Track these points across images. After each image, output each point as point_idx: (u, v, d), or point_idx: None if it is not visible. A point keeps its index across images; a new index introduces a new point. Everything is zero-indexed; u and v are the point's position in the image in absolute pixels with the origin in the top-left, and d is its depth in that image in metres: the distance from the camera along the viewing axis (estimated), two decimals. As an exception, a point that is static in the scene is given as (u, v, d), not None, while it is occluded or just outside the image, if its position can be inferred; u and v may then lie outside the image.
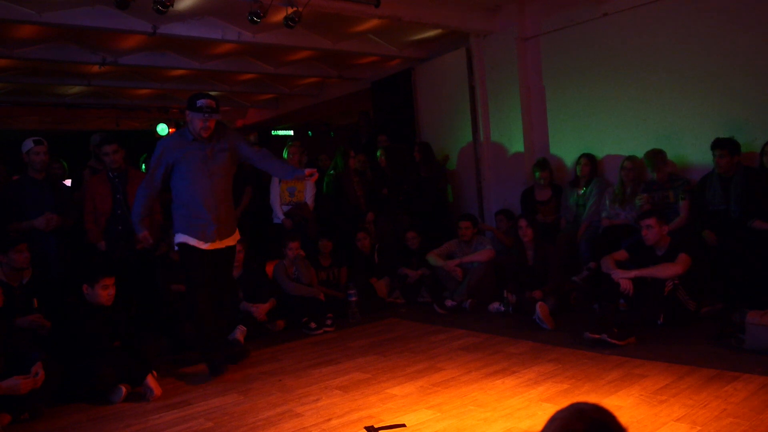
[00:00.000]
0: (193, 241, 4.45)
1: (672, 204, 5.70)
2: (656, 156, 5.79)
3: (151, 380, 4.10)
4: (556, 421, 1.30)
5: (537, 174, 6.85)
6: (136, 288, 5.62)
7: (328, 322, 5.78)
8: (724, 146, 5.29)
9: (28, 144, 5.19)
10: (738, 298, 4.86)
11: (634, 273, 4.77)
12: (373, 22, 7.07)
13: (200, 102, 4.32)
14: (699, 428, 2.95)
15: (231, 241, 4.64)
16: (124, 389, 4.03)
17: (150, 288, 5.70)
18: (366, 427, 3.30)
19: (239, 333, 5.41)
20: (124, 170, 5.61)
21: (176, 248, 4.59)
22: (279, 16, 6.06)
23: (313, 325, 5.68)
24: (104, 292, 4.33)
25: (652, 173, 5.88)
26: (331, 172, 7.60)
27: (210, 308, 4.53)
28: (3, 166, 6.43)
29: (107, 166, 5.56)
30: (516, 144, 7.45)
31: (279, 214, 6.82)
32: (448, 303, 6.13)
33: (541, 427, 1.34)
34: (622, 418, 3.29)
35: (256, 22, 5.81)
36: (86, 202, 5.55)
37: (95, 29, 6.20)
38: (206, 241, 4.46)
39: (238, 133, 4.56)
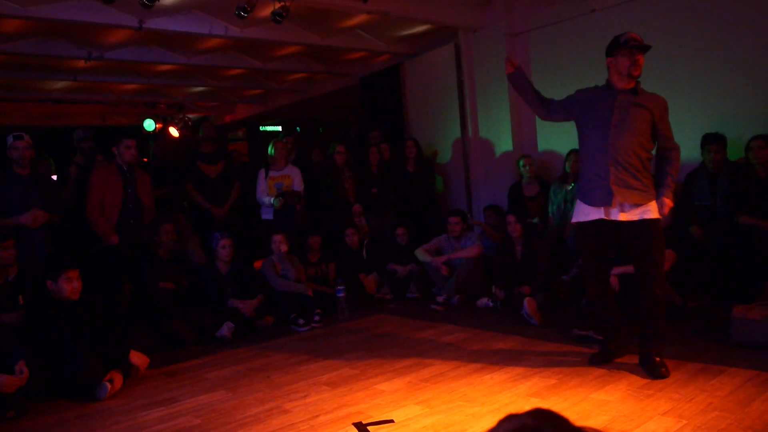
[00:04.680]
0: (585, 209, 3.91)
1: None
2: None
3: (133, 355, 4.17)
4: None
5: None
6: (132, 282, 5.64)
7: (317, 318, 5.77)
8: (717, 142, 5.31)
9: (9, 139, 5.18)
10: (724, 293, 4.90)
11: (620, 270, 4.79)
12: (362, 17, 7.04)
13: (624, 37, 3.75)
14: (685, 422, 2.97)
15: (637, 213, 3.75)
16: (109, 385, 4.01)
17: (139, 284, 5.68)
18: (354, 423, 3.30)
19: (227, 329, 5.41)
20: (132, 166, 5.68)
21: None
22: (266, 11, 6.02)
23: (301, 321, 5.67)
24: (68, 285, 4.25)
25: None
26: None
27: (601, 289, 4.04)
28: None
29: (122, 159, 5.62)
30: (504, 140, 7.46)
31: (266, 204, 6.77)
32: (440, 299, 6.14)
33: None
34: (609, 412, 3.34)
35: (243, 16, 5.78)
36: (92, 195, 5.56)
37: (81, 23, 6.13)
38: (596, 206, 3.84)
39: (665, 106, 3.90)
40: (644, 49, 3.76)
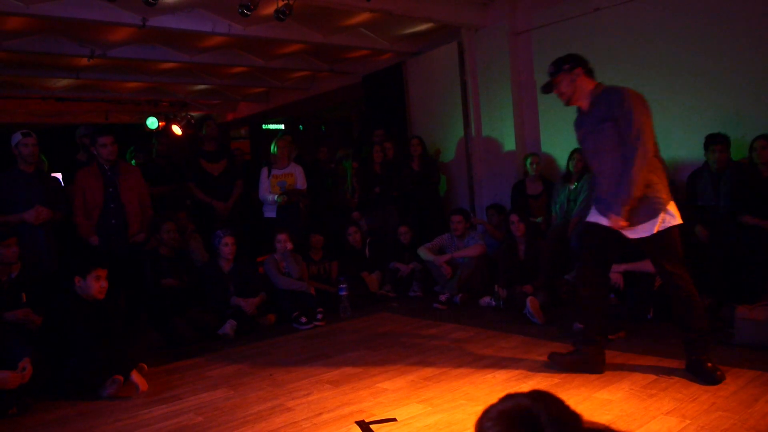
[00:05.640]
0: (596, 215, 3.81)
1: None
2: None
3: (135, 376, 4.08)
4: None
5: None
6: (126, 282, 5.60)
7: (319, 316, 5.77)
8: (720, 142, 5.29)
9: (17, 137, 5.18)
10: (728, 293, 4.88)
11: (623, 267, 4.79)
12: (365, 16, 7.04)
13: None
14: (688, 422, 2.96)
15: (641, 230, 3.60)
16: (110, 387, 3.99)
17: (140, 282, 5.67)
18: (357, 422, 3.29)
19: (229, 327, 5.41)
20: (117, 163, 5.61)
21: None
22: (270, 9, 6.02)
23: (303, 319, 5.67)
24: (97, 283, 4.28)
25: None
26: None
27: (595, 293, 3.86)
28: None
29: (101, 158, 5.54)
30: (507, 139, 7.45)
31: (270, 202, 6.78)
32: (443, 298, 6.14)
33: None
34: (613, 412, 3.32)
35: (246, 14, 5.77)
36: (76, 195, 5.52)
37: (84, 21, 6.14)
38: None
39: (621, 99, 3.54)
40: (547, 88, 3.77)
